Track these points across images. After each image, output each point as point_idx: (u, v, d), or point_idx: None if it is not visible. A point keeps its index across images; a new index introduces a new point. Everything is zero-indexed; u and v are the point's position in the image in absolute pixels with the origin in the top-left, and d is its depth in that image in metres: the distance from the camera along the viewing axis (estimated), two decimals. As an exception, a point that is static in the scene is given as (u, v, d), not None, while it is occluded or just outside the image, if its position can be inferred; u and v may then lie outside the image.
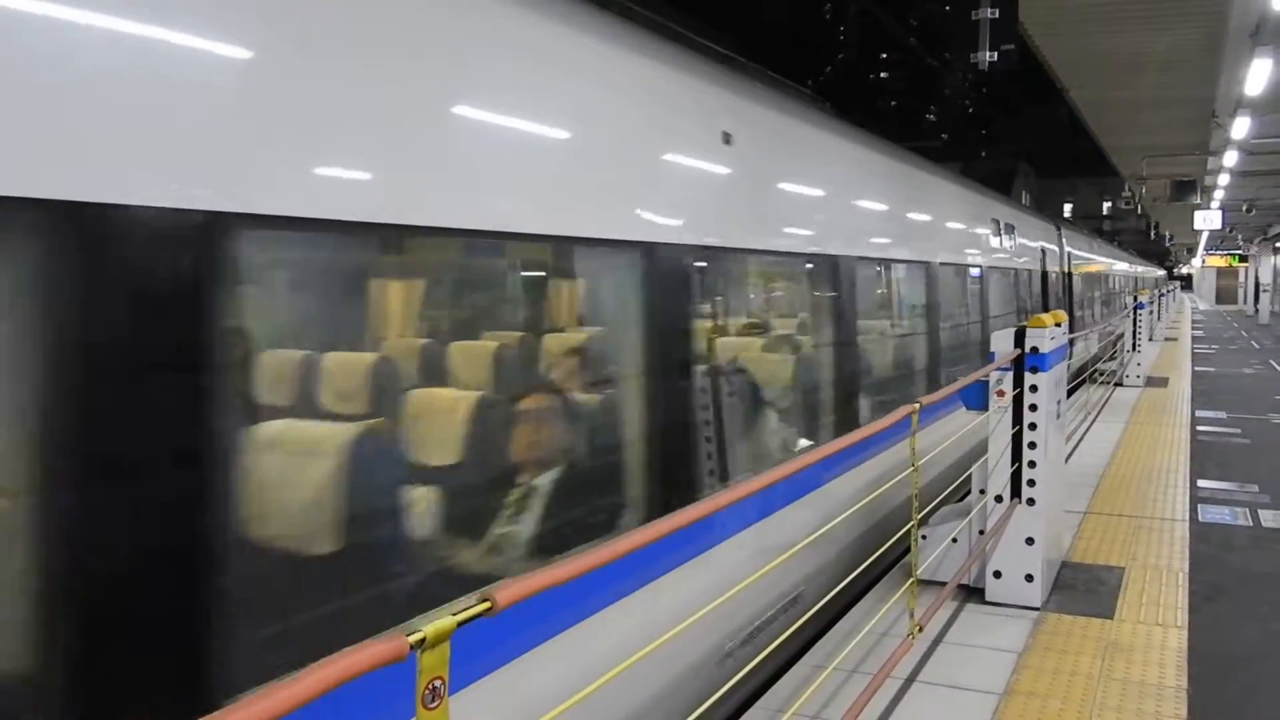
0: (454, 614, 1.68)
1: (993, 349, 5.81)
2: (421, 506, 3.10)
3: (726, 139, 4.83)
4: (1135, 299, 18.32)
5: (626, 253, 4.01)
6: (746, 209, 5.14)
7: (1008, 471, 5.65)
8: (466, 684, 2.78)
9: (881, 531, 5.32)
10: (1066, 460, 8.62)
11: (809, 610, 3.62)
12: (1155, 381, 16.82)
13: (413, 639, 1.59)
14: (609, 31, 4.11)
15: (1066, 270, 17.33)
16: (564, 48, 3.74)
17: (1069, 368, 9.58)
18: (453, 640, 1.66)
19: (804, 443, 6.00)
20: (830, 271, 6.26)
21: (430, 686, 1.64)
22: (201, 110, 2.25)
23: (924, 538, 5.77)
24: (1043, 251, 14.91)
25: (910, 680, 4.65)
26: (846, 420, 6.31)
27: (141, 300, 2.09)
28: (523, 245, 3.61)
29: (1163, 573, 6.30)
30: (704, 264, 4.63)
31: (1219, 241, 52.78)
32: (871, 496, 4.51)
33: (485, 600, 1.78)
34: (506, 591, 1.83)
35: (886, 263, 7.79)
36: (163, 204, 2.13)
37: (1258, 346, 28.63)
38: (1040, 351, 5.61)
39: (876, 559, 4.43)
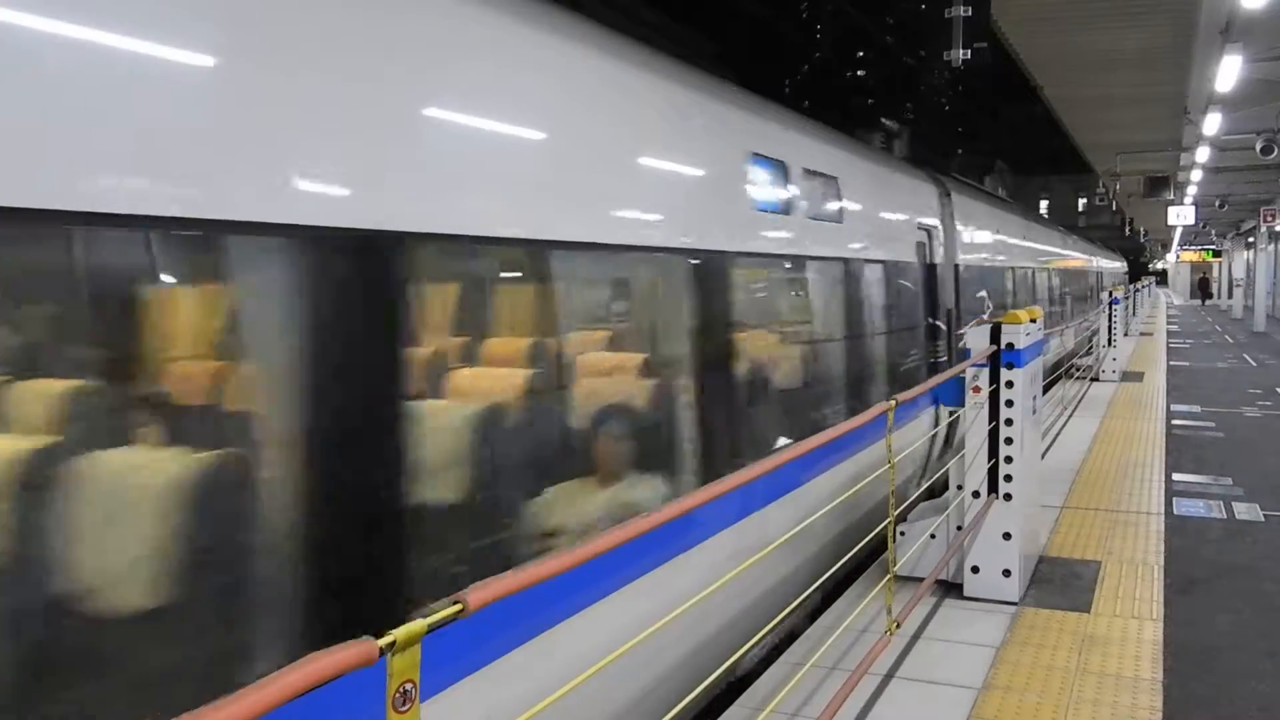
0: (425, 617, 1.67)
1: (968, 345, 5.85)
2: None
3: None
4: (1111, 294, 18.38)
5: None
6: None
7: (985, 467, 5.68)
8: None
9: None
10: (1043, 456, 8.67)
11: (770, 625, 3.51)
12: (1131, 376, 16.95)
13: (382, 642, 1.58)
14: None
15: (954, 263, 9.95)
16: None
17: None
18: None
19: None
20: None
21: (401, 690, 1.63)
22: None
23: (902, 534, 5.80)
24: (926, 232, 8.95)
25: (889, 676, 4.67)
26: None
27: None
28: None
29: (1138, 566, 6.35)
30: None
31: (1193, 237, 53.16)
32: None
33: (457, 603, 1.77)
34: (479, 594, 1.82)
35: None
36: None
37: (1232, 341, 28.92)
38: (1015, 348, 5.65)
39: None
